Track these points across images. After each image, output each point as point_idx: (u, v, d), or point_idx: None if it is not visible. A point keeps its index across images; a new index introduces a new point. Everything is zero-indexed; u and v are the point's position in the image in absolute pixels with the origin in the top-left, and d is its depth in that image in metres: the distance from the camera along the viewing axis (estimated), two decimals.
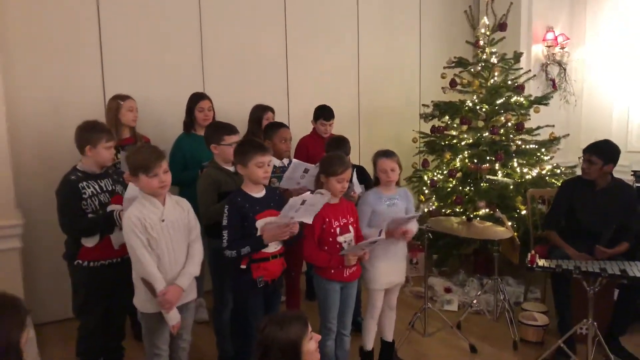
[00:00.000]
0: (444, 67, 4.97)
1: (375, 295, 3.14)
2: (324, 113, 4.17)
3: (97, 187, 2.84)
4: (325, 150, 3.37)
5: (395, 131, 5.44)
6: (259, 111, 4.11)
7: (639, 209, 3.58)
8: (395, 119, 5.48)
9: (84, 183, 2.79)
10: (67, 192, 2.78)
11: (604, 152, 3.50)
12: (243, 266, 2.69)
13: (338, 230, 2.84)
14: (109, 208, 2.84)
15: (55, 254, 3.01)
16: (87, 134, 2.81)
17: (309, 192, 2.67)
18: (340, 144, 3.43)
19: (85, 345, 2.95)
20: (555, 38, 5.55)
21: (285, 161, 3.56)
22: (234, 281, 2.82)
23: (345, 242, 2.87)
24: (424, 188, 4.94)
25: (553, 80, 5.61)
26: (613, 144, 3.57)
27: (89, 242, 2.82)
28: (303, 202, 2.61)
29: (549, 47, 5.58)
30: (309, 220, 2.73)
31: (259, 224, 2.67)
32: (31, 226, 3.56)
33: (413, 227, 3.14)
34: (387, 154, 3.14)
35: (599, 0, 5.56)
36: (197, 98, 3.89)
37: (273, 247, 2.73)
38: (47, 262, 3.68)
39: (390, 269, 3.11)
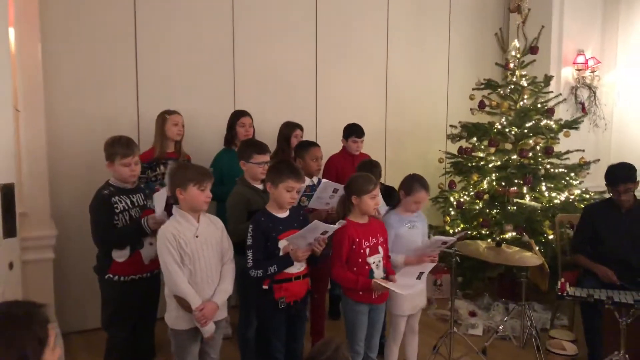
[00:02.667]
0: (473, 89, 4.96)
1: (399, 321, 3.12)
2: (356, 130, 4.20)
3: (128, 202, 2.90)
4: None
5: (421, 151, 5.43)
6: (288, 128, 4.15)
7: None
8: (422, 139, 5.47)
9: (116, 197, 2.86)
10: (99, 206, 2.84)
11: (634, 174, 3.51)
12: (265, 287, 2.70)
13: (367, 250, 2.84)
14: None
15: (85, 265, 3.07)
16: (106, 149, 2.89)
17: (333, 225, 2.65)
18: (372, 168, 3.44)
19: (113, 358, 2.97)
20: (586, 61, 5.50)
21: (315, 179, 3.58)
22: (257, 301, 2.83)
23: (374, 263, 2.86)
24: (450, 209, 4.91)
25: (582, 104, 5.55)
26: (629, 163, 3.59)
27: (120, 257, 2.87)
28: (325, 233, 2.62)
29: (579, 70, 5.53)
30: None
31: (282, 243, 2.68)
32: (63, 237, 3.63)
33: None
34: (425, 185, 3.11)
35: (632, 23, 5.50)
36: (239, 114, 3.99)
37: (296, 268, 2.73)
38: (76, 273, 3.75)
39: (414, 293, 3.10)
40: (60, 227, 3.57)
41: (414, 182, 3.11)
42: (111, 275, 2.87)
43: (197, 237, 2.53)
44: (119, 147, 2.86)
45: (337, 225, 2.66)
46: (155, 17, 4.07)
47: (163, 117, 3.69)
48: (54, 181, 3.63)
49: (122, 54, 3.99)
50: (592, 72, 5.55)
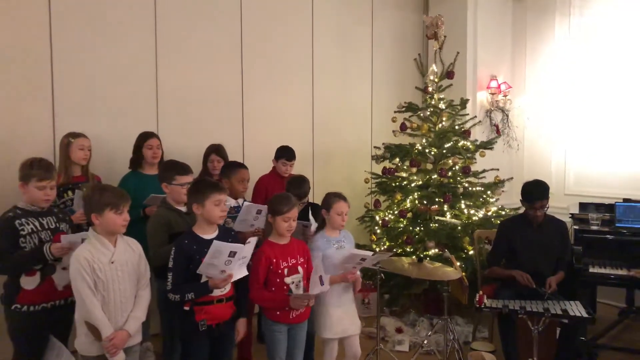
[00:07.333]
0: (395, 112, 5.14)
1: (331, 345, 3.13)
2: (286, 153, 4.23)
3: (37, 224, 2.74)
4: (286, 189, 3.41)
5: (347, 171, 5.55)
6: (209, 150, 4.12)
7: (570, 241, 3.89)
8: (348, 160, 5.60)
9: (23, 220, 2.71)
10: (1, 229, 2.68)
11: (547, 191, 3.72)
12: (186, 308, 2.64)
13: (286, 271, 2.84)
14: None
15: None
16: (22, 170, 2.76)
17: (239, 244, 2.61)
18: (301, 183, 3.48)
19: None
20: (499, 86, 5.87)
21: (240, 201, 3.56)
22: (178, 323, 2.75)
23: (292, 282, 2.86)
24: (376, 228, 5.03)
25: (497, 126, 5.90)
26: (542, 181, 3.79)
27: (29, 284, 2.70)
28: (233, 254, 2.55)
29: (492, 94, 5.88)
30: (243, 273, 2.69)
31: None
32: None
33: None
34: (342, 196, 3.19)
35: (537, 53, 5.94)
36: (145, 136, 3.90)
37: (219, 291, 2.68)
38: None
39: (343, 315, 3.13)
40: None
41: (329, 197, 3.19)
42: (19, 306, 2.69)
43: (112, 262, 2.44)
44: (37, 169, 2.73)
45: (246, 245, 2.61)
46: (72, 37, 3.93)
47: (67, 141, 3.55)
48: None
49: (37, 70, 3.81)
50: (505, 96, 5.92)
